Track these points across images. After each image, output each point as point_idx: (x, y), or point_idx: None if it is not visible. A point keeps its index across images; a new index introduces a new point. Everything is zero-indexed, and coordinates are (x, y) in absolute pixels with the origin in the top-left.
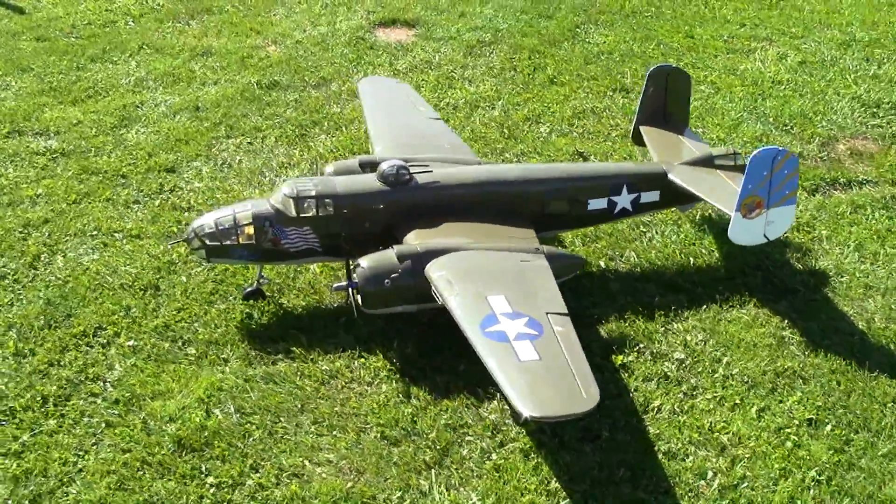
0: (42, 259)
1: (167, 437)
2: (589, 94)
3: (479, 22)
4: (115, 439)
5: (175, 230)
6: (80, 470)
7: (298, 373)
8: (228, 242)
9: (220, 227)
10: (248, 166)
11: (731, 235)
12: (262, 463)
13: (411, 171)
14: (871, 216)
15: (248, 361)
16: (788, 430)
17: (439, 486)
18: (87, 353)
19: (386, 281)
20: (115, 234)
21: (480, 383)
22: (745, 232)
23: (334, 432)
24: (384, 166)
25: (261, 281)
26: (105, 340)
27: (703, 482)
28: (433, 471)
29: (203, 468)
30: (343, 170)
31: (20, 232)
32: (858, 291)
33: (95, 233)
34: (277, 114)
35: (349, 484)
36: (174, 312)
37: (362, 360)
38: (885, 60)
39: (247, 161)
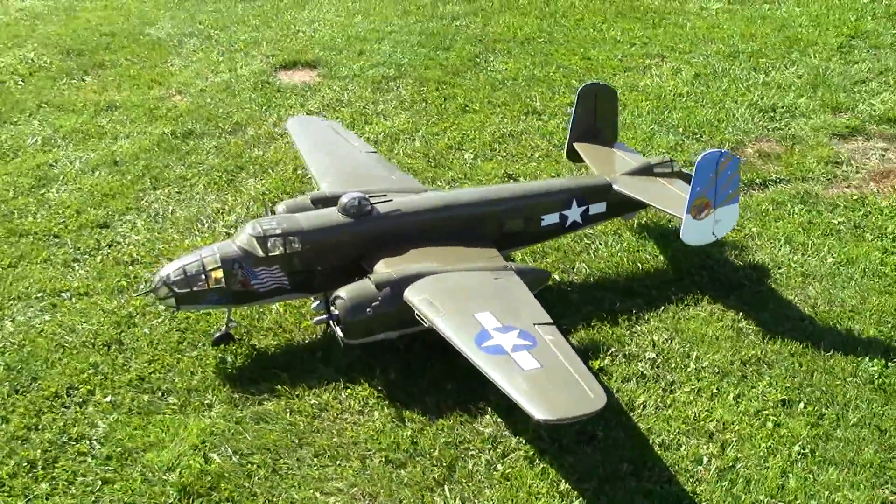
0: None
1: (170, 486)
2: (503, 118)
3: (379, 58)
4: (116, 495)
5: (124, 284)
6: None
7: (288, 409)
8: (198, 288)
9: (188, 274)
10: (183, 215)
11: (683, 236)
12: (274, 500)
13: (371, 202)
14: (791, 211)
15: (234, 404)
16: (766, 412)
17: (454, 501)
18: (65, 414)
19: (367, 310)
20: (62, 294)
21: (471, 400)
22: (696, 232)
23: (338, 462)
24: (345, 199)
25: (229, 325)
26: (80, 399)
27: (700, 468)
28: (445, 486)
29: None
30: (296, 207)
31: None
32: (798, 280)
33: (40, 294)
34: (200, 161)
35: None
36: (145, 364)
37: (348, 390)
38: (770, 69)
39: (180, 210)
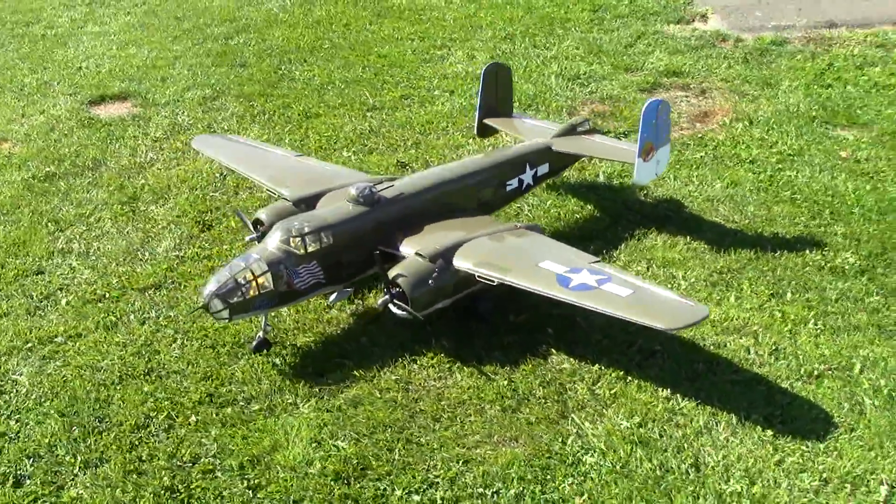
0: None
1: (323, 475)
2: (350, 118)
3: (185, 82)
4: (277, 496)
5: (113, 318)
6: None
7: (376, 389)
8: (249, 295)
9: (238, 283)
10: (114, 248)
11: (637, 178)
12: (430, 465)
13: (378, 190)
14: None
15: (318, 397)
16: (767, 306)
17: (585, 423)
18: (162, 441)
19: (429, 282)
20: (55, 339)
21: (530, 348)
22: (645, 173)
23: (459, 420)
24: (353, 191)
25: (266, 330)
26: (165, 425)
27: (752, 356)
28: (568, 417)
29: (384, 487)
30: (280, 212)
31: None
32: (706, 205)
33: (30, 345)
34: (86, 199)
35: (516, 449)
36: (203, 382)
37: (417, 363)
38: (547, 45)
39: (106, 245)
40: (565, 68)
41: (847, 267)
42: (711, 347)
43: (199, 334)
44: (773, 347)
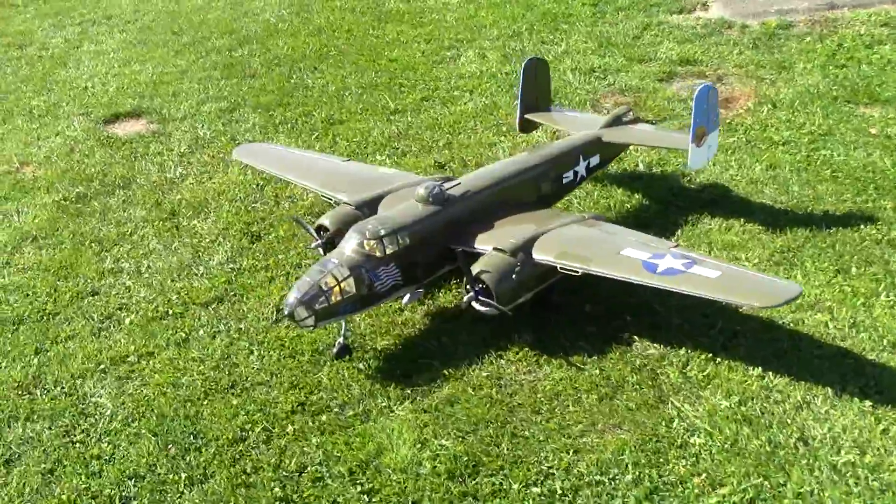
0: (81, 427)
1: (438, 475)
2: (374, 122)
3: (199, 96)
4: (394, 498)
5: (183, 335)
6: None
7: (469, 387)
8: (333, 301)
9: (323, 289)
10: (165, 266)
11: (691, 164)
12: (541, 457)
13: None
14: None
15: (411, 399)
16: (835, 282)
17: (686, 406)
18: (264, 453)
19: (512, 276)
20: (127, 359)
21: (614, 335)
22: (699, 158)
23: (558, 411)
24: (421, 190)
25: (346, 335)
26: (263, 437)
27: (830, 330)
28: (667, 401)
29: (499, 481)
30: (344, 217)
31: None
32: (749, 187)
33: (104, 366)
34: (125, 218)
35: (622, 435)
36: (292, 392)
37: (503, 359)
38: (555, 41)
39: (157, 262)
40: (579, 63)
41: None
42: (790, 325)
43: (276, 345)
44: (851, 321)
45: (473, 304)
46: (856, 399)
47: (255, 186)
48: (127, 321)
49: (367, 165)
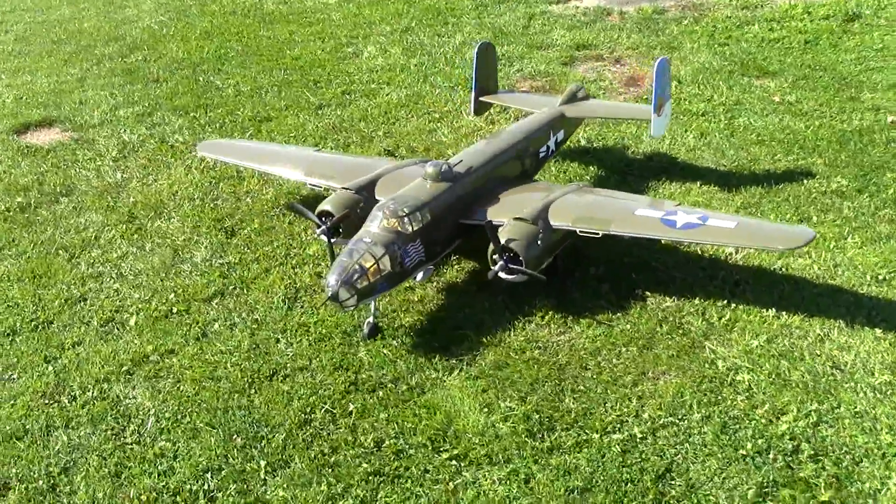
0: (129, 429)
1: (519, 433)
2: (304, 117)
3: (107, 103)
4: (486, 460)
5: (198, 330)
6: None
7: (510, 351)
8: (372, 279)
9: (363, 268)
10: (148, 265)
11: (654, 132)
12: (607, 407)
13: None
14: None
15: (459, 369)
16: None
17: (719, 348)
18: (333, 435)
19: (538, 242)
20: (148, 360)
21: (628, 294)
22: (659, 127)
23: (603, 365)
24: (430, 168)
25: (376, 314)
26: (327, 420)
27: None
28: (706, 343)
29: (577, 433)
30: (346, 201)
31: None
32: (690, 154)
33: (125, 368)
34: (81, 224)
35: (674, 380)
36: (335, 374)
37: (532, 323)
38: (448, 34)
39: (139, 263)
40: None
41: (845, 189)
42: (782, 270)
43: (301, 331)
44: (833, 262)
45: (500, 273)
46: (866, 327)
47: (208, 184)
48: (132, 322)
49: (339, 154)
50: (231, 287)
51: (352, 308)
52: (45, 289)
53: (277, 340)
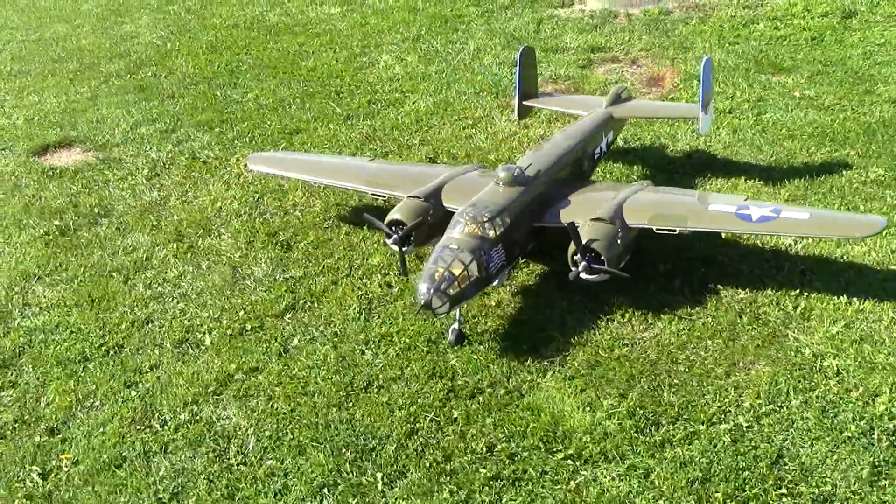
0: (231, 450)
1: (627, 429)
2: (334, 128)
3: (126, 120)
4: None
5: (278, 347)
6: None
7: (600, 349)
8: (463, 286)
9: (454, 275)
10: (208, 284)
11: (702, 130)
12: (707, 399)
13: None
14: None
15: (560, 367)
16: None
17: (801, 337)
18: (442, 442)
19: (618, 241)
20: (233, 378)
21: (701, 289)
22: (707, 124)
23: (693, 359)
24: (503, 173)
25: (460, 321)
26: (432, 428)
27: None
28: (787, 333)
29: (684, 426)
30: (415, 209)
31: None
32: (728, 150)
33: (210, 389)
34: (130, 245)
35: (764, 368)
36: (431, 382)
37: (613, 321)
38: (459, 41)
39: (198, 282)
40: (500, 57)
41: (883, 178)
42: (843, 259)
43: (386, 341)
44: (889, 249)
45: (582, 274)
46: None
47: (252, 199)
48: (207, 342)
49: (396, 163)
50: (301, 301)
51: (443, 315)
52: (106, 312)
53: (363, 352)
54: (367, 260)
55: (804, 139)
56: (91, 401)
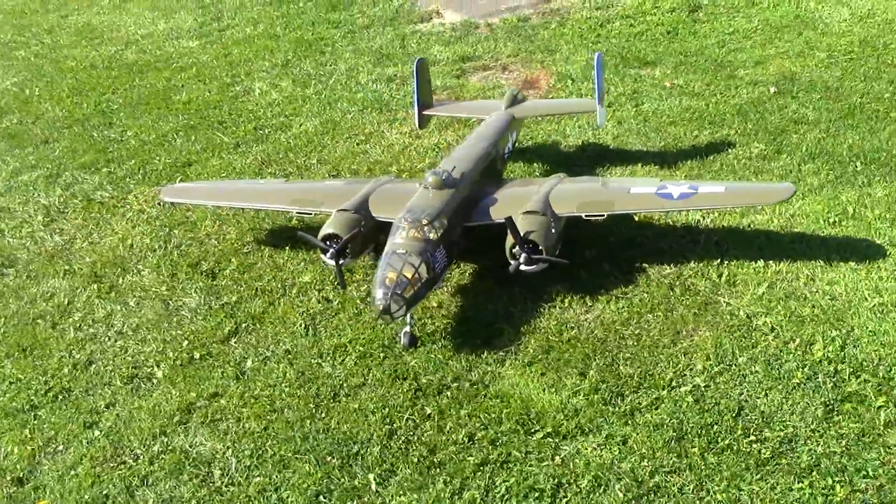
0: (215, 474)
1: (596, 403)
2: (227, 156)
3: (5, 169)
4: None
5: (232, 370)
6: None
7: (550, 335)
8: (417, 288)
9: (410, 278)
10: (142, 320)
11: (600, 123)
12: (661, 367)
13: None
14: None
15: (515, 355)
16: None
17: (731, 301)
18: (423, 437)
19: (552, 231)
20: (195, 406)
21: (626, 270)
22: (603, 117)
23: (639, 333)
24: (431, 178)
25: (411, 324)
26: (409, 425)
27: None
28: (718, 299)
29: (648, 394)
30: (348, 221)
31: None
32: (617, 141)
33: (176, 419)
34: (46, 292)
35: (706, 333)
36: (397, 383)
37: (556, 307)
38: (330, 63)
39: (130, 319)
40: (377, 74)
41: (766, 153)
42: (750, 227)
43: (341, 352)
44: (788, 215)
45: (522, 266)
46: (842, 263)
47: (162, 234)
48: (158, 374)
49: (312, 181)
50: (243, 325)
51: (400, 318)
52: (42, 359)
53: (320, 365)
54: (298, 278)
55: (685, 124)
56: (53, 446)
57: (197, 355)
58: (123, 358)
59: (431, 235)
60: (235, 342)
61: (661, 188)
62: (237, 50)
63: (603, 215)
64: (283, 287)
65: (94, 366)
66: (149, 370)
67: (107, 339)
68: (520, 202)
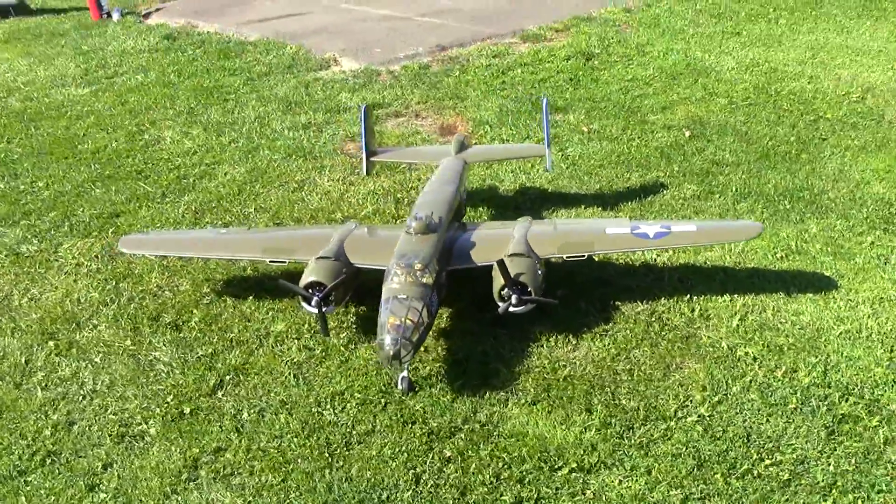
0: None
1: (611, 438)
2: (155, 208)
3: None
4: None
5: (228, 424)
6: None
7: (545, 372)
8: (421, 332)
9: (415, 322)
10: (118, 376)
11: (548, 167)
12: (661, 398)
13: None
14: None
15: (517, 395)
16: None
17: (710, 334)
18: (451, 477)
19: (538, 272)
20: (200, 462)
21: (602, 309)
22: (550, 160)
23: (630, 368)
24: (415, 224)
25: (408, 369)
26: (434, 468)
27: None
28: (696, 332)
29: (654, 427)
30: (329, 269)
31: None
32: (554, 184)
33: (184, 476)
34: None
35: (695, 364)
36: (409, 427)
37: (544, 346)
38: (237, 110)
39: (105, 376)
40: (288, 122)
41: (699, 194)
42: (707, 264)
43: (343, 398)
44: (738, 251)
45: (511, 308)
46: (800, 295)
47: (109, 287)
48: (151, 431)
49: (276, 229)
50: (227, 377)
51: (407, 362)
52: (15, 422)
53: (321, 414)
54: (272, 327)
55: (613, 167)
56: None
57: (187, 410)
58: (106, 416)
59: (425, 280)
60: (223, 395)
61: (635, 228)
62: (133, 98)
63: (584, 256)
64: (257, 337)
65: (76, 426)
66: (139, 427)
67: (80, 397)
68: (498, 245)
